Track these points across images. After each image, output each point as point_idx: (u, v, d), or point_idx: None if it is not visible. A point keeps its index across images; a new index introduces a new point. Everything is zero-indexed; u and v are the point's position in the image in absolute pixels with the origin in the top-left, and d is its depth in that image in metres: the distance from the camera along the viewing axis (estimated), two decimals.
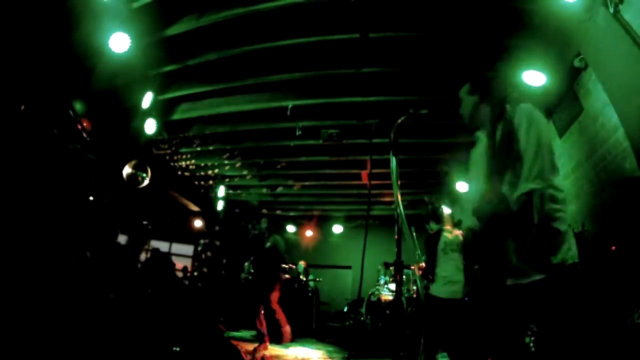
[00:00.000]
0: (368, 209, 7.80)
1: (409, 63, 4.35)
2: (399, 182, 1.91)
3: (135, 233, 8.25)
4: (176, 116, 5.78)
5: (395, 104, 4.87)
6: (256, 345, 4.83)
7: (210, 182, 8.25)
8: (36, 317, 2.63)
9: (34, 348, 2.30)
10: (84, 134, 4.83)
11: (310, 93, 5.04)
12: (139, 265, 7.98)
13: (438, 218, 4.20)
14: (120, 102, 5.23)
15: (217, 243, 9.96)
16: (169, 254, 8.93)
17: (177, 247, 10.55)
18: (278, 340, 5.23)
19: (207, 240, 10.05)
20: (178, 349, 2.90)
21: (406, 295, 5.62)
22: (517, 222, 1.53)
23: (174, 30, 4.14)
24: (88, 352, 2.49)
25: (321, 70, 4.59)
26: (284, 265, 5.60)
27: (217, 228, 9.78)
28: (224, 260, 9.74)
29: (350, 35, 3.99)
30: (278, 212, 9.95)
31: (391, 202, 8.12)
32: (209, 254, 9.83)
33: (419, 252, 4.29)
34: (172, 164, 7.36)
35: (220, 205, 8.29)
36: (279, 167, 7.13)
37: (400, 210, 1.85)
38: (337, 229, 10.05)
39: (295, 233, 10.32)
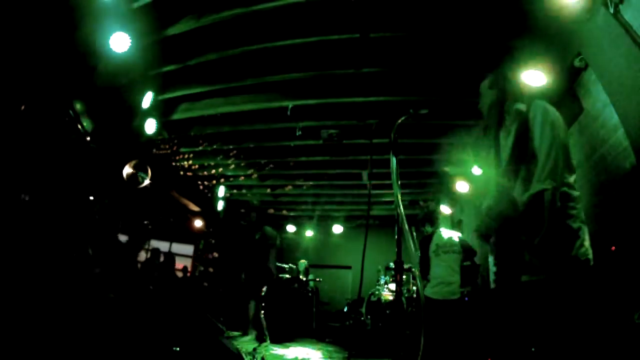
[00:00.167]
0: (368, 209, 7.80)
1: (409, 63, 4.34)
2: (399, 182, 1.91)
3: (136, 233, 8.26)
4: (176, 116, 5.78)
5: (395, 104, 4.87)
6: (256, 345, 4.83)
7: (211, 182, 8.25)
8: (36, 316, 2.63)
9: (34, 347, 2.30)
10: (84, 134, 4.84)
11: (310, 93, 5.04)
12: (139, 265, 7.98)
13: (432, 221, 4.32)
14: (121, 102, 5.23)
15: (215, 242, 9.95)
16: (173, 255, 8.92)
17: (177, 247, 10.56)
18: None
19: (207, 240, 10.05)
20: (178, 349, 2.90)
21: (406, 295, 5.62)
22: (528, 221, 1.53)
23: (174, 30, 4.14)
24: (88, 352, 2.49)
25: (321, 70, 4.58)
26: (278, 264, 5.53)
27: (217, 228, 9.78)
28: (224, 260, 9.74)
29: (350, 35, 3.99)
30: (283, 212, 9.99)
31: (391, 202, 8.13)
32: (214, 255, 9.82)
33: (419, 252, 4.31)
34: (172, 164, 7.36)
35: (220, 205, 8.30)
36: (271, 166, 7.14)
37: (401, 210, 1.86)
38: (337, 229, 10.05)
39: (295, 233, 10.32)
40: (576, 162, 4.38)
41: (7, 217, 3.53)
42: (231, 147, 6.56)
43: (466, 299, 4.41)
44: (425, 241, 4.25)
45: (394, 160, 1.94)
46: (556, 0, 3.09)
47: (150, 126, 5.28)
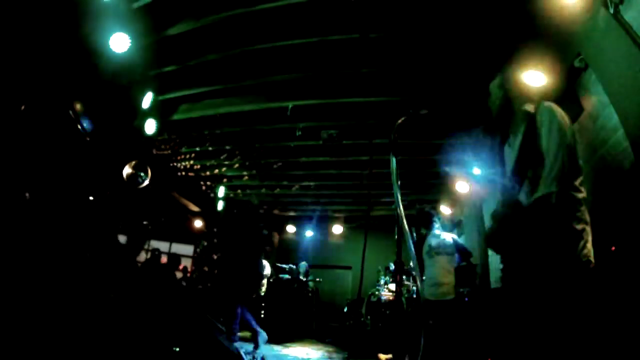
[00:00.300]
0: (368, 210, 7.78)
1: (409, 63, 4.34)
2: (398, 183, 1.91)
3: (135, 233, 8.25)
4: (176, 116, 5.78)
5: (395, 104, 4.87)
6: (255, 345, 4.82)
7: (211, 182, 8.25)
8: (36, 316, 2.63)
9: (34, 347, 2.30)
10: (84, 134, 4.84)
11: (310, 93, 5.04)
12: (139, 265, 7.97)
13: (427, 224, 4.37)
14: (121, 102, 5.23)
15: (215, 242, 9.95)
16: (178, 256, 8.88)
17: (177, 247, 10.55)
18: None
19: (208, 240, 10.05)
20: (178, 349, 2.90)
21: (406, 295, 5.62)
22: (533, 223, 1.54)
23: (174, 30, 4.14)
24: (88, 352, 2.49)
25: (321, 71, 4.58)
26: (278, 265, 5.46)
27: (217, 228, 9.78)
28: (223, 261, 9.73)
29: (349, 36, 3.99)
30: (291, 212, 9.98)
31: (391, 203, 8.12)
32: (214, 256, 9.81)
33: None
34: (172, 164, 7.36)
35: (220, 206, 8.29)
36: (275, 166, 7.14)
37: (400, 211, 1.85)
38: (337, 229, 10.05)
39: (295, 233, 10.32)
40: None
41: (9, 216, 3.53)
42: (231, 147, 6.56)
43: (466, 299, 4.41)
44: (418, 243, 4.32)
45: (393, 161, 1.93)
46: (556, 1, 3.09)
47: (150, 126, 5.29)
